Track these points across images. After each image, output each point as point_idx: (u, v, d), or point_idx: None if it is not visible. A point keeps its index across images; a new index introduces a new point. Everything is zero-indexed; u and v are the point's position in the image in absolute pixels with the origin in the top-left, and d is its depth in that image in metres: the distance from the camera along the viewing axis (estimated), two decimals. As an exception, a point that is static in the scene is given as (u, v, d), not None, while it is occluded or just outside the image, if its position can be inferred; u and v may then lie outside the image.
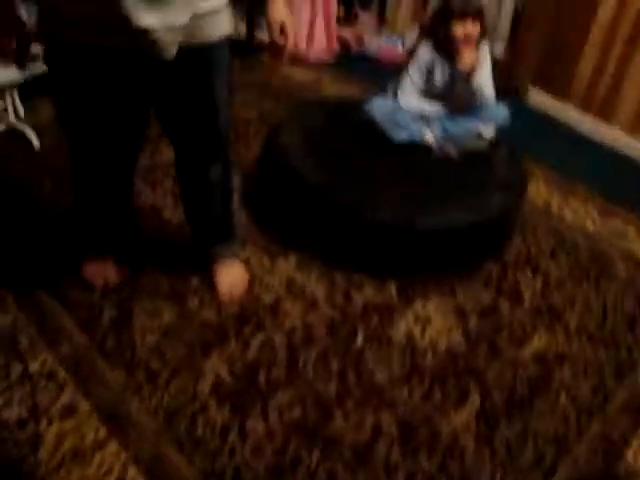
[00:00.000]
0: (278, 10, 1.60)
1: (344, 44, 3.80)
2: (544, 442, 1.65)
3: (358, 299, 2.01)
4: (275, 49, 1.65)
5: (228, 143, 1.81)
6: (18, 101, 2.76)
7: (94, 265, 2.02)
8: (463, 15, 2.11)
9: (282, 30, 1.62)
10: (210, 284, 2.01)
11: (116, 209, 1.94)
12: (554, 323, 2.00)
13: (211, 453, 1.57)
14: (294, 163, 2.16)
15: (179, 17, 1.36)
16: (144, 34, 1.34)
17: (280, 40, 1.63)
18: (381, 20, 4.04)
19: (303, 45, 3.55)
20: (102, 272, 2.01)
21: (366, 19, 3.98)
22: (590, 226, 2.47)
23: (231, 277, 2.02)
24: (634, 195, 2.68)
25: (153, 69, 1.48)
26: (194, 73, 1.55)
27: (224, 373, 1.76)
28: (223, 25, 1.53)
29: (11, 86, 2.62)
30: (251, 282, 2.04)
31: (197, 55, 1.50)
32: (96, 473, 1.53)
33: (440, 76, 2.25)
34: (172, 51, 1.41)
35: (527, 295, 2.09)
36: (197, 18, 1.42)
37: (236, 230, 2.07)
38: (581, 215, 2.52)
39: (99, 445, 1.58)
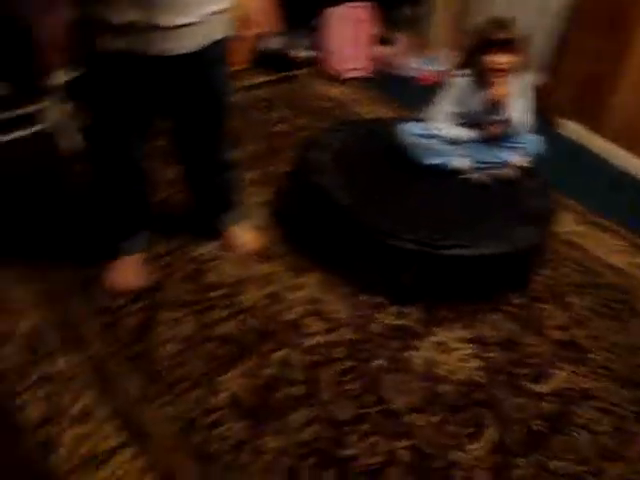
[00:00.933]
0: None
1: (382, 64, 3.82)
2: (560, 481, 1.63)
3: (380, 322, 2.00)
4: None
5: (227, 124, 2.02)
6: (61, 102, 2.82)
7: (119, 269, 2.06)
8: (497, 46, 2.10)
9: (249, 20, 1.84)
10: (233, 294, 2.05)
11: (135, 192, 2.03)
12: (577, 359, 1.97)
13: (224, 467, 1.58)
14: (323, 181, 2.17)
15: (196, 18, 1.60)
16: (171, 34, 1.59)
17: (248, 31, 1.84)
18: (419, 41, 4.04)
19: (340, 63, 3.57)
20: (127, 276, 2.05)
21: (405, 40, 3.99)
22: (618, 262, 2.43)
23: (244, 236, 2.23)
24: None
25: (173, 65, 1.67)
26: (207, 66, 1.77)
27: (242, 388, 1.76)
28: (227, 25, 1.75)
29: (57, 88, 2.68)
30: (274, 297, 2.06)
31: (210, 50, 1.72)
32: (110, 478, 1.54)
33: (474, 104, 2.24)
34: (192, 47, 1.66)
35: (551, 329, 2.06)
36: (210, 19, 1.65)
37: (238, 198, 2.27)
38: (609, 250, 2.49)
39: (115, 451, 1.60)
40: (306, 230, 2.30)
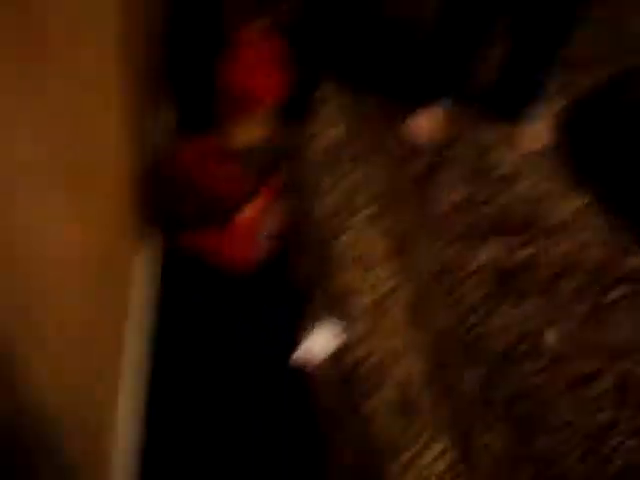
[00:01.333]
0: None
1: None
2: None
3: (632, 261, 2.05)
4: None
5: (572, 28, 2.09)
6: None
7: (424, 117, 2.31)
8: None
9: None
10: (508, 179, 2.23)
11: (464, 59, 2.22)
12: None
13: (464, 312, 1.86)
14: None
15: None
16: None
17: None
18: None
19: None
20: (428, 126, 2.30)
21: None
22: None
23: (533, 133, 2.34)
24: None
25: None
26: None
27: (492, 261, 1.99)
28: None
29: None
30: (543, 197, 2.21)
31: None
32: (372, 280, 1.89)
33: None
34: None
35: None
36: None
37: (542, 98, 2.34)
38: None
39: (384, 259, 1.95)
40: (596, 149, 2.38)
